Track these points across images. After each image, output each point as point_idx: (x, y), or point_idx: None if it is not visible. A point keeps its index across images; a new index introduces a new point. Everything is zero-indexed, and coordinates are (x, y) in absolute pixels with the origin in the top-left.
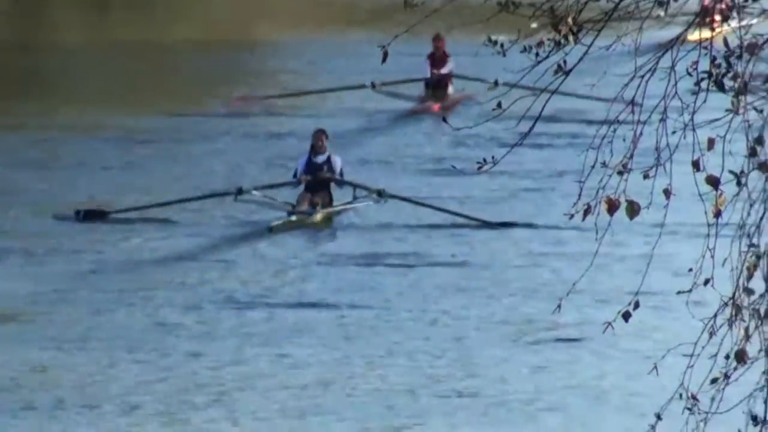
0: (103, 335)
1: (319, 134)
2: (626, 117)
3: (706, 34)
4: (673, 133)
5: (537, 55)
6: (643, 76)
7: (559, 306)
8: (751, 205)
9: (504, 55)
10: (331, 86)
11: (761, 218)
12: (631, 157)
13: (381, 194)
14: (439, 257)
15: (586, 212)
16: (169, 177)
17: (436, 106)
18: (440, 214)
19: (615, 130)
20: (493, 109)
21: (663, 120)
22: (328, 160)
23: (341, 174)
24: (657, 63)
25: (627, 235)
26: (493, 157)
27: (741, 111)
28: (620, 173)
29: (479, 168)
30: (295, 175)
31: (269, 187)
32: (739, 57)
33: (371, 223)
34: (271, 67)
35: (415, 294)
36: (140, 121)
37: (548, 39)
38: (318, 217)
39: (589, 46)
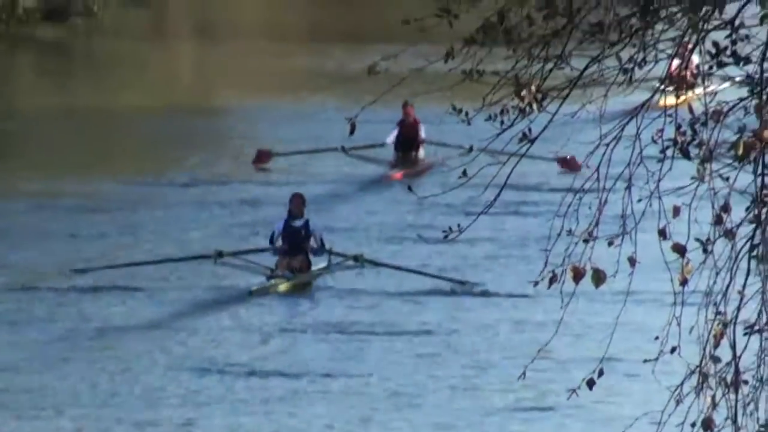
0: (84, 404)
1: (297, 198)
2: (592, 185)
3: (672, 100)
4: (639, 200)
5: (502, 123)
6: (608, 144)
7: (524, 373)
8: (717, 273)
9: (468, 123)
10: (302, 149)
11: (727, 286)
12: (597, 225)
13: (357, 259)
14: (411, 325)
15: (552, 280)
16: (134, 244)
17: (398, 174)
18: (414, 280)
19: (581, 198)
20: (459, 177)
21: (628, 188)
22: (306, 225)
23: (321, 241)
24: (622, 131)
25: (594, 303)
26: (459, 225)
27: (706, 179)
28: (586, 241)
29: (445, 237)
30: (272, 240)
31: (248, 252)
32: (704, 124)
33: (348, 288)
34: (235, 132)
35: (391, 362)
36: (102, 187)
37: (512, 107)
38: (297, 281)
39: (554, 114)
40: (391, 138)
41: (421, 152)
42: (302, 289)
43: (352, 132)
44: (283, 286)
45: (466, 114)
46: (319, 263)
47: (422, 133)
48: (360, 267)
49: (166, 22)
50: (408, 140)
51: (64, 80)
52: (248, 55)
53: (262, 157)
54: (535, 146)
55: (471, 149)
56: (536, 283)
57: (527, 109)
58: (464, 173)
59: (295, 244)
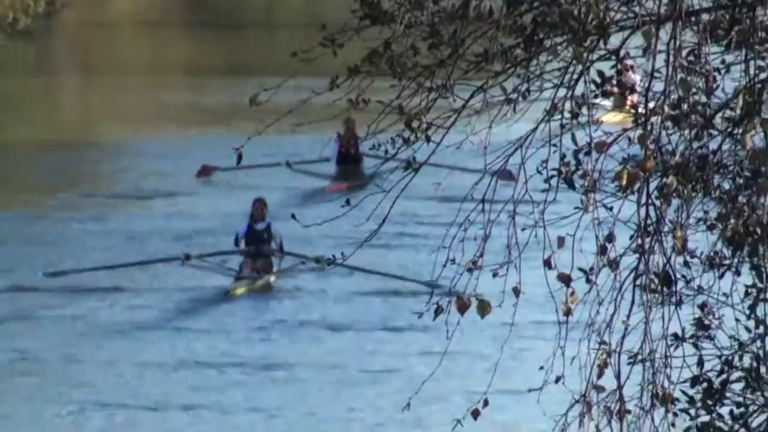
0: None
1: (259, 203)
2: (476, 217)
3: (614, 118)
4: (523, 230)
5: (386, 152)
6: (493, 174)
7: (408, 404)
8: (600, 303)
9: (351, 150)
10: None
11: (611, 316)
12: (481, 255)
13: (319, 261)
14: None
15: (437, 312)
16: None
17: (335, 187)
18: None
19: (466, 230)
20: (342, 206)
21: (513, 218)
22: (268, 228)
23: (281, 244)
24: (507, 162)
25: (480, 333)
26: (342, 254)
27: (590, 209)
28: (470, 270)
29: (329, 263)
30: (236, 242)
31: (213, 255)
32: (588, 153)
33: (310, 288)
34: (121, 166)
35: (294, 392)
36: None
37: (397, 136)
38: (261, 283)
39: (438, 144)
40: (332, 152)
41: (362, 167)
42: (268, 289)
43: (239, 161)
44: (253, 286)
45: (348, 141)
46: (281, 265)
47: (360, 147)
48: (321, 269)
49: (51, 57)
50: (349, 154)
51: None
52: (132, 89)
53: (204, 170)
54: (420, 176)
55: (410, 164)
56: (420, 315)
57: (411, 138)
58: (347, 202)
59: (258, 247)
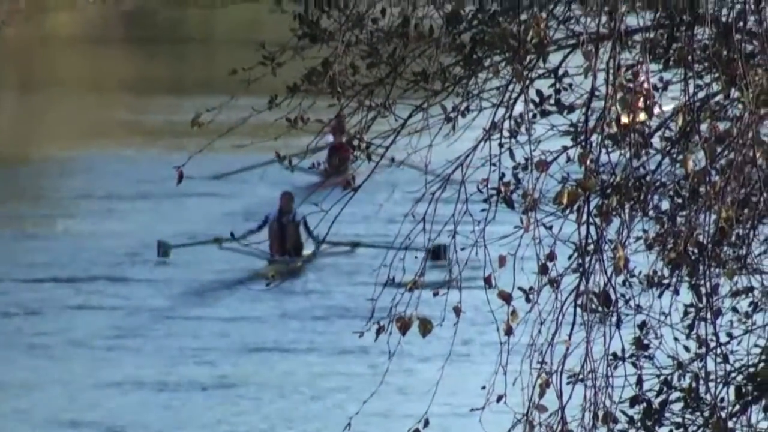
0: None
1: (286, 196)
2: (418, 236)
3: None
4: (463, 249)
5: (326, 171)
6: (433, 194)
7: (348, 424)
8: (541, 323)
9: (292, 170)
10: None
11: (553, 335)
12: (422, 275)
13: (352, 245)
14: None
15: (379, 331)
16: None
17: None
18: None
19: (407, 248)
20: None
21: (453, 237)
22: (295, 218)
23: (307, 228)
24: (447, 182)
25: (422, 353)
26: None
27: (530, 228)
28: (411, 290)
29: (267, 285)
30: (264, 223)
31: (245, 236)
32: (525, 168)
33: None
34: (52, 183)
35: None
36: None
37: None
38: (298, 264)
39: (378, 163)
40: (328, 140)
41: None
42: (302, 270)
43: (180, 181)
44: (290, 268)
45: (290, 161)
46: (309, 246)
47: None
48: (353, 251)
49: None
50: (340, 149)
51: None
52: (72, 106)
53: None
54: (360, 198)
55: (393, 160)
56: (361, 334)
57: (352, 157)
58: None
59: (286, 237)
